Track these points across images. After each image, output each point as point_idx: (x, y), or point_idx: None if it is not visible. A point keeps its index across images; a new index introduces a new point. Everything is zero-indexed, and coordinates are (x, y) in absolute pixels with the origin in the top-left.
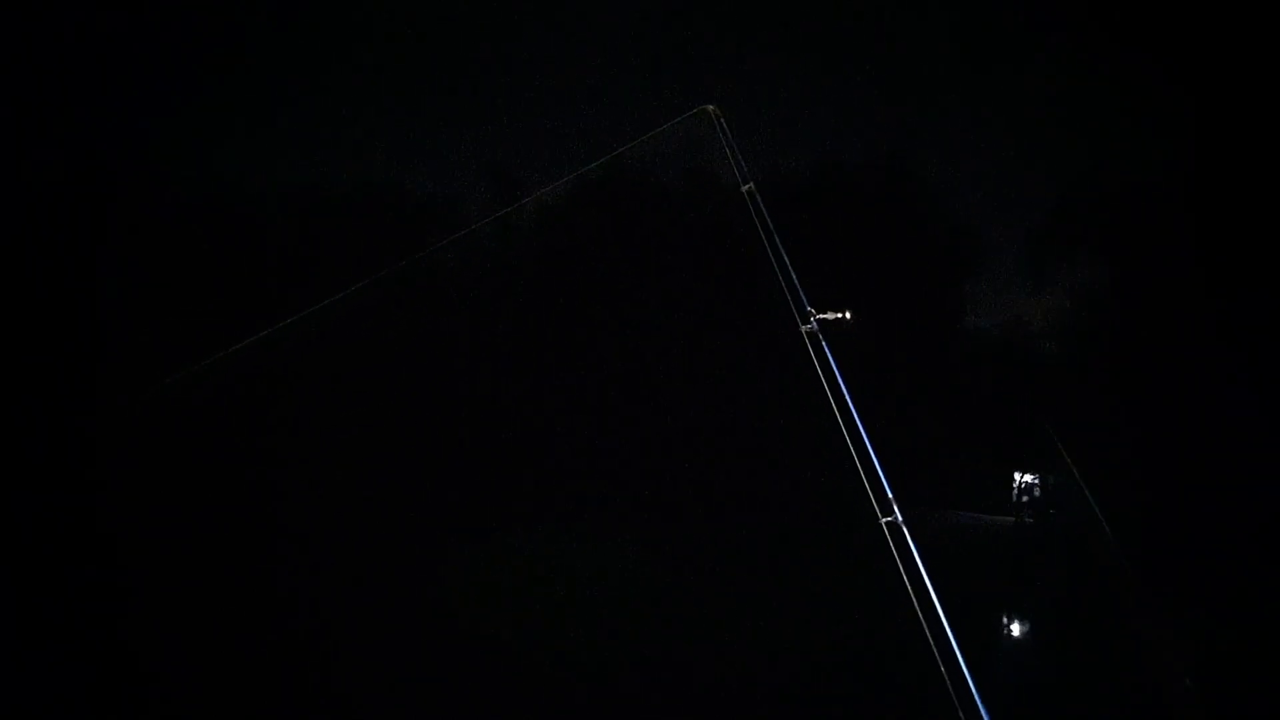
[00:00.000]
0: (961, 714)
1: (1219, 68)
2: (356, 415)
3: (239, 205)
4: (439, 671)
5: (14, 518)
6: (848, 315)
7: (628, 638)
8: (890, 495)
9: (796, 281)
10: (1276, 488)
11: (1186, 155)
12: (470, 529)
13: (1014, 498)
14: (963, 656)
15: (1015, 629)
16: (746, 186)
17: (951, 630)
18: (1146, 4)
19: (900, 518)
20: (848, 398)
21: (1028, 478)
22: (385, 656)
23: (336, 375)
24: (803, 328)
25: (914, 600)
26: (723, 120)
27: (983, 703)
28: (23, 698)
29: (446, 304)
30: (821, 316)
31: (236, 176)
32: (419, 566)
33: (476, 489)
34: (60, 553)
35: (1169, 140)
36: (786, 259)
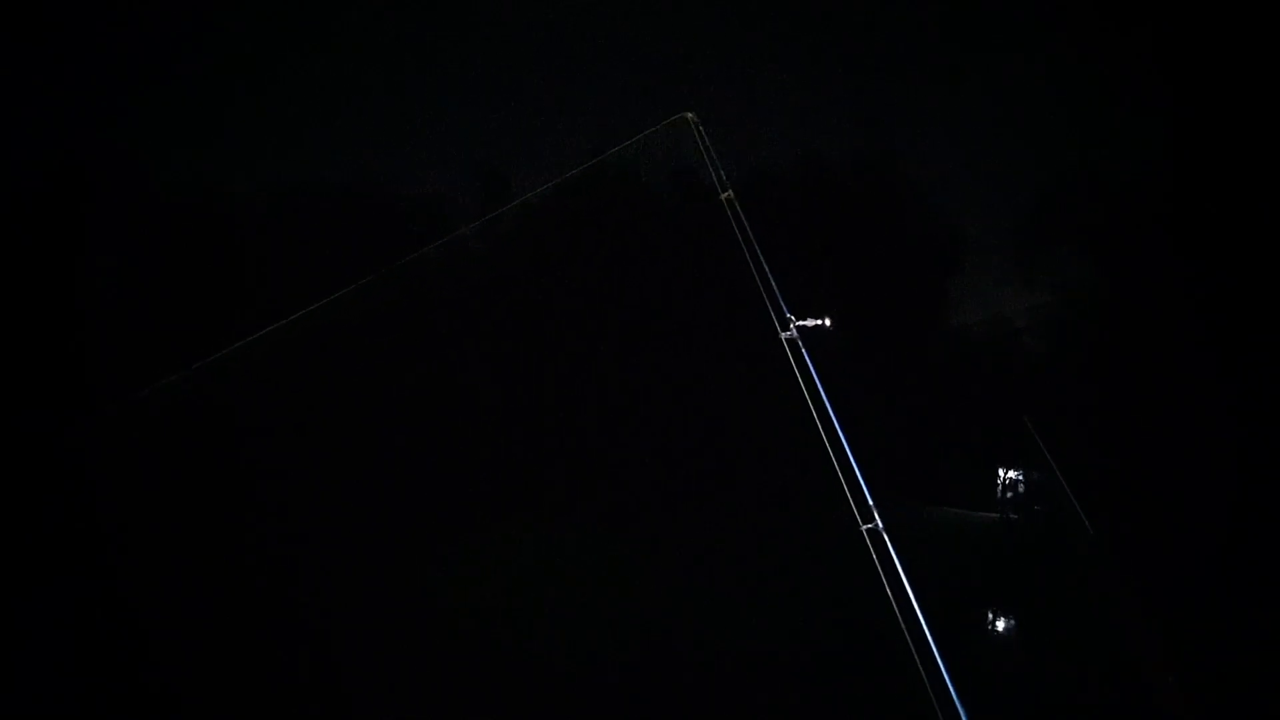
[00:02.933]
0: (940, 715)
1: (1202, 64)
2: (344, 418)
3: (222, 209)
4: (430, 664)
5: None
6: (828, 322)
7: (612, 638)
8: (871, 502)
9: (776, 289)
10: (1256, 483)
11: (1170, 151)
12: (455, 529)
13: (999, 494)
14: (942, 658)
15: (1000, 624)
16: (725, 194)
17: (931, 633)
18: (1131, 3)
19: (880, 524)
20: (828, 405)
21: (1012, 474)
22: (381, 652)
23: (324, 379)
24: (783, 335)
25: (894, 605)
26: (701, 128)
27: (961, 703)
28: (19, 699)
29: (432, 306)
30: (801, 323)
31: (220, 179)
32: (407, 564)
33: (458, 490)
34: (53, 560)
35: (1152, 136)
36: (766, 266)
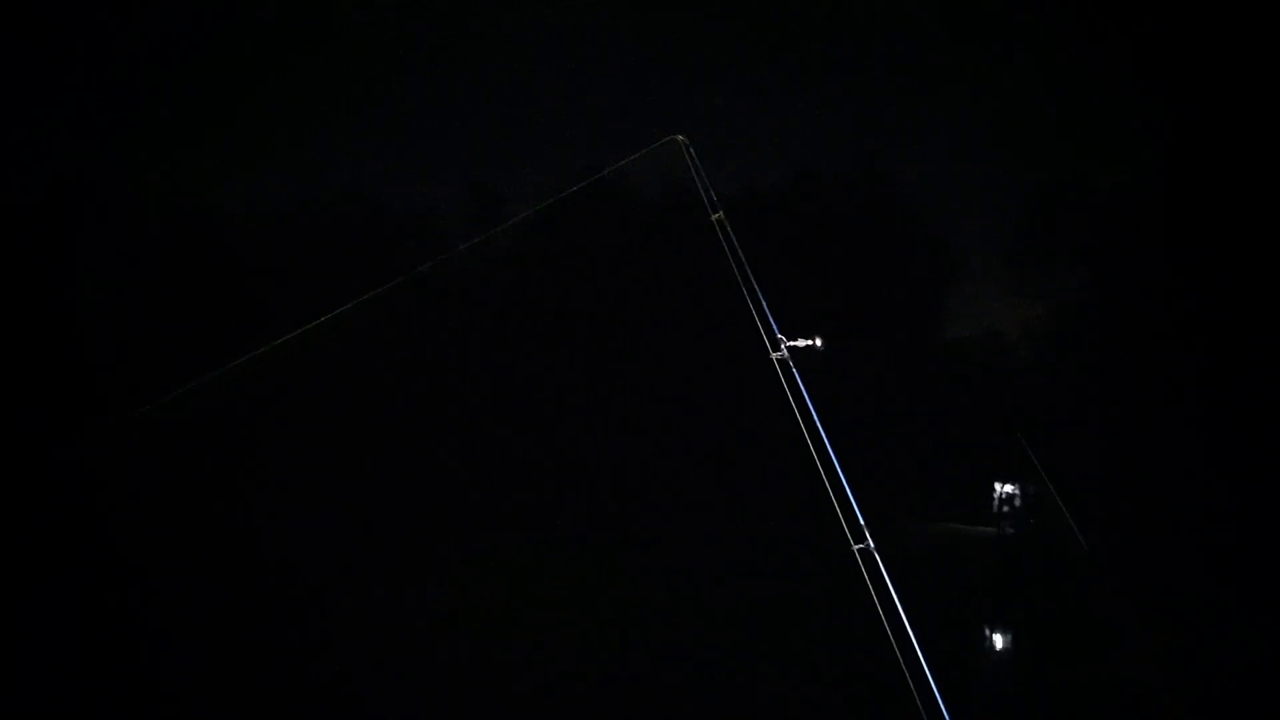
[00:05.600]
0: None
1: (1193, 77)
2: (341, 431)
3: (216, 224)
4: (429, 670)
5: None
6: (818, 342)
7: (604, 656)
8: (862, 522)
9: (767, 309)
10: (1249, 496)
11: (1162, 163)
12: (450, 544)
13: (995, 508)
14: (934, 677)
15: (995, 639)
16: (716, 216)
17: (923, 653)
18: (1121, 14)
19: (872, 544)
20: (819, 425)
21: (1008, 488)
22: (379, 656)
23: (321, 393)
24: (774, 355)
25: (886, 626)
26: (691, 150)
27: None
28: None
29: (426, 323)
30: (792, 344)
31: (215, 194)
32: (405, 574)
33: (453, 506)
34: (53, 560)
35: (1144, 149)
36: (757, 287)
